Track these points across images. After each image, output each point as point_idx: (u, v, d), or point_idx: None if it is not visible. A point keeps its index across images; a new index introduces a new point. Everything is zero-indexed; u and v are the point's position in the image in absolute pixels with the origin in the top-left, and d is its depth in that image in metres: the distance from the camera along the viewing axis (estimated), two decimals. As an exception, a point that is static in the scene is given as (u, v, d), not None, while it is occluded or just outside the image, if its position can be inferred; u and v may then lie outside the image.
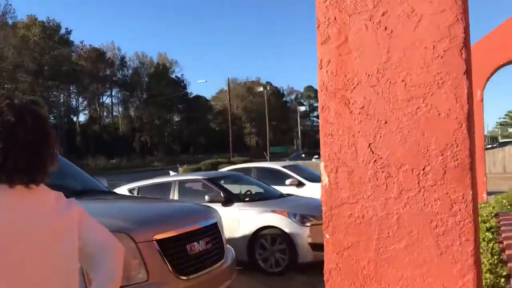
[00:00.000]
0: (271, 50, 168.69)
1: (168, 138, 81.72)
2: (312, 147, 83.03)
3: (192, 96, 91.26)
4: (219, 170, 11.69)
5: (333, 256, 1.59)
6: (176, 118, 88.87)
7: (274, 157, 44.65)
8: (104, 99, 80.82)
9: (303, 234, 6.91)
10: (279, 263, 7.01)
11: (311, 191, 10.46)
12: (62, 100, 71.73)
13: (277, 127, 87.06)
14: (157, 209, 4.50)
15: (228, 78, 48.41)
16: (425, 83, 1.46)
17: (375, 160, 1.53)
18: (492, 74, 8.03)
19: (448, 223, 1.43)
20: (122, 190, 7.96)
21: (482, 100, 8.09)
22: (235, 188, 8.21)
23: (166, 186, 7.88)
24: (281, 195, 8.22)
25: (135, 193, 7.90)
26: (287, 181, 10.81)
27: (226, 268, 4.38)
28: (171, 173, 9.76)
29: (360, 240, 1.55)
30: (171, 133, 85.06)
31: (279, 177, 11.13)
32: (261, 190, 8.58)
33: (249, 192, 8.67)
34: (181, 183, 7.92)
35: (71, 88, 72.13)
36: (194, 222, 4.15)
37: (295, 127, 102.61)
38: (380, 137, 1.53)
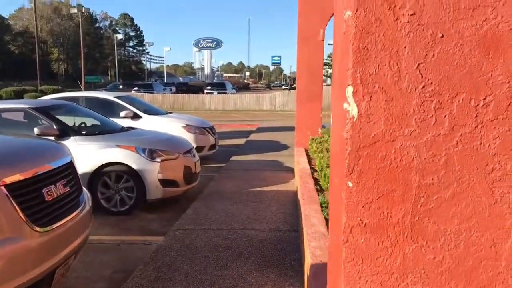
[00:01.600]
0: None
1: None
2: (127, 78, 79.61)
3: (-17, 11, 77.30)
4: (40, 99, 10.04)
5: (357, 210, 1.22)
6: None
7: (88, 87, 41.29)
8: None
9: (153, 170, 6.40)
10: (124, 202, 6.41)
11: (149, 124, 9.82)
12: None
13: (89, 54, 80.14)
14: (1, 145, 3.46)
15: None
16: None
17: (423, 86, 1.17)
18: (331, 18, 8.33)
19: (507, 167, 1.18)
20: None
21: (323, 40, 8.40)
22: (67, 120, 7.08)
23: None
24: (124, 129, 7.44)
25: None
26: (122, 113, 9.92)
27: (86, 215, 3.68)
28: None
29: (395, 189, 1.21)
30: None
31: (112, 109, 10.15)
32: (99, 123, 7.63)
33: (83, 125, 7.65)
34: (1, 111, 6.50)
35: None
36: (49, 161, 3.30)
37: (109, 56, 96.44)
38: (434, 55, 1.16)
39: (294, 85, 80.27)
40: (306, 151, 8.22)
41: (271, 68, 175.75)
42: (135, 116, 10.11)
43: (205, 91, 41.94)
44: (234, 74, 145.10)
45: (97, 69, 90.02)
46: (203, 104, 35.35)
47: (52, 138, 6.03)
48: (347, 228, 1.23)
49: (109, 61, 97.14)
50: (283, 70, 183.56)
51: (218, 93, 39.81)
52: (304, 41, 8.31)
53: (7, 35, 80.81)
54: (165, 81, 67.66)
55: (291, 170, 8.88)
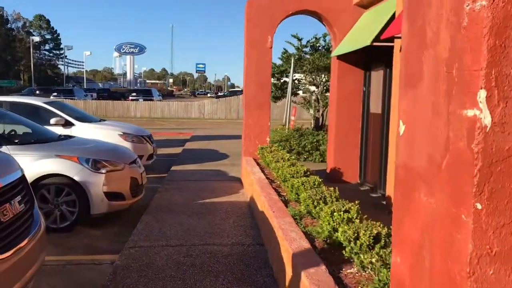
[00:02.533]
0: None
1: None
2: (43, 83, 75.05)
3: None
4: None
5: (486, 236, 1.03)
6: None
7: (3, 92, 38.24)
8: None
9: (97, 182, 5.89)
10: (65, 217, 5.82)
11: (82, 132, 9.14)
12: None
13: (-1, 57, 74.52)
14: None
15: None
16: None
17: None
18: (282, 20, 8.28)
19: None
20: None
21: (271, 47, 8.30)
22: (-4, 128, 6.36)
23: None
24: (61, 137, 6.79)
25: None
26: (52, 120, 9.13)
27: (42, 234, 3.22)
28: None
29: (532, 209, 1.04)
30: None
31: (41, 115, 9.32)
32: (32, 131, 6.92)
33: (13, 133, 6.90)
34: None
35: None
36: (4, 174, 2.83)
37: (23, 60, 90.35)
38: None
39: (220, 93, 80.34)
40: (255, 160, 8.04)
41: (195, 75, 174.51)
42: (67, 124, 9.37)
43: (130, 97, 40.49)
44: (157, 81, 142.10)
45: (8, 73, 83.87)
46: (128, 111, 34.10)
47: (-21, 148, 5.35)
48: (473, 259, 1.04)
49: (22, 64, 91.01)
50: (207, 78, 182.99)
51: (144, 100, 38.60)
52: (253, 48, 8.16)
53: None
54: (85, 87, 64.60)
55: (238, 180, 8.66)
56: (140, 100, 38.47)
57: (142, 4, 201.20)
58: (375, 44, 6.32)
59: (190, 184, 8.26)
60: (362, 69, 8.24)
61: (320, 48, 12.93)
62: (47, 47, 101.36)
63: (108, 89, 55.47)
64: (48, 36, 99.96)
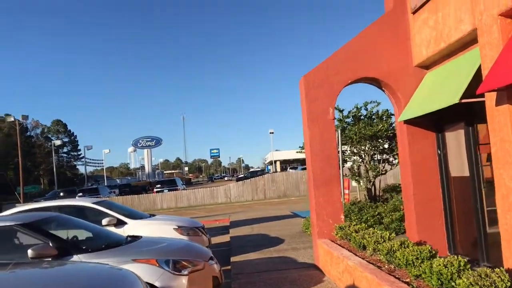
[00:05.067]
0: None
1: None
2: (62, 185, 75.58)
3: None
4: (19, 213, 8.44)
5: None
6: None
7: (27, 198, 38.21)
8: None
9: (180, 286, 5.18)
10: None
11: (136, 229, 8.55)
12: None
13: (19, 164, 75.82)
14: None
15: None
16: None
17: None
18: (341, 90, 7.92)
19: None
20: None
21: (333, 118, 7.88)
22: (60, 235, 5.77)
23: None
24: (129, 239, 6.18)
25: None
26: (104, 221, 8.58)
27: None
28: None
29: None
30: None
31: (91, 217, 8.79)
32: (92, 234, 6.34)
33: (76, 238, 6.31)
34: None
35: None
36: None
37: (42, 164, 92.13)
38: None
39: (240, 175, 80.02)
40: (334, 242, 7.28)
41: (210, 161, 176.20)
42: (119, 223, 8.81)
43: (155, 189, 40.24)
44: (173, 171, 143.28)
45: (29, 178, 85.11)
46: (155, 203, 33.64)
47: (49, 259, 4.75)
48: None
49: (42, 169, 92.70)
50: (221, 162, 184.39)
51: (169, 190, 38.23)
52: (314, 122, 7.73)
53: None
54: (105, 184, 64.89)
55: (313, 267, 7.84)
56: (165, 191, 38.14)
57: (151, 98, 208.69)
58: (463, 101, 5.83)
59: (263, 276, 7.45)
60: (434, 131, 7.71)
61: (362, 117, 12.58)
62: (65, 149, 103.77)
63: (129, 184, 55.55)
64: (65, 139, 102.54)
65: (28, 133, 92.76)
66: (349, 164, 14.91)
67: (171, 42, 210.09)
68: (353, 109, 12.56)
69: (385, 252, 5.18)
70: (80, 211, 8.96)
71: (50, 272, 2.69)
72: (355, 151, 12.96)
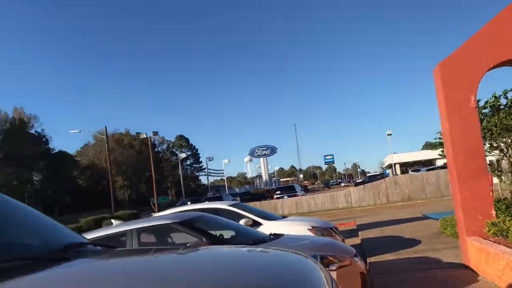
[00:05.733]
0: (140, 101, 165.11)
1: (28, 200, 71.77)
2: (187, 195, 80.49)
3: (54, 152, 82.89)
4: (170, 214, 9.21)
5: None
6: (38, 177, 79.19)
7: (159, 208, 41.40)
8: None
9: (329, 282, 5.11)
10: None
11: (272, 229, 8.68)
12: None
13: (151, 178, 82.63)
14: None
15: (106, 126, 44.28)
16: None
17: None
18: (483, 75, 7.34)
19: None
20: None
21: (476, 107, 7.32)
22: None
23: (119, 239, 5.50)
24: (272, 236, 6.33)
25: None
26: (241, 222, 8.88)
27: None
28: (114, 222, 7.19)
29: None
30: (32, 193, 75.14)
31: (228, 218, 9.16)
32: (235, 233, 6.60)
33: (222, 237, 6.62)
34: (141, 231, 5.61)
35: None
36: None
37: (169, 177, 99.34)
38: None
39: (358, 180, 78.39)
40: (485, 239, 6.72)
41: (324, 167, 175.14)
42: (255, 224, 9.09)
43: (275, 196, 41.09)
44: (288, 178, 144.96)
45: (159, 190, 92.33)
46: (276, 209, 34.18)
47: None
48: None
49: (169, 181, 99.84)
50: (336, 168, 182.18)
51: (289, 196, 38.70)
52: (453, 111, 7.25)
53: (74, 170, 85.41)
54: (227, 193, 67.91)
55: (461, 266, 7.30)
56: (285, 197, 38.69)
57: (264, 106, 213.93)
58: None
59: (408, 275, 7.13)
60: None
61: (501, 107, 11.50)
62: (188, 162, 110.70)
63: (249, 192, 57.45)
64: (188, 153, 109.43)
65: (156, 149, 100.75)
66: (488, 159, 13.72)
67: (283, 51, 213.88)
68: (490, 98, 11.53)
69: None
70: (218, 213, 9.40)
71: (244, 253, 2.81)
72: (494, 145, 11.88)
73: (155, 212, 34.75)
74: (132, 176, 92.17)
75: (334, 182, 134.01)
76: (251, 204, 35.22)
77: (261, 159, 79.56)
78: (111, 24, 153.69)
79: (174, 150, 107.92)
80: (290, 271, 2.50)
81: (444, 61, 7.35)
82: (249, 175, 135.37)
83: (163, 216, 6.71)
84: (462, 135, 7.23)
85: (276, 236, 6.35)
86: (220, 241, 5.70)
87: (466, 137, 7.22)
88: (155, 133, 49.53)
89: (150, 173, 75.84)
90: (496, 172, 12.39)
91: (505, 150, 11.78)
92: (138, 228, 5.58)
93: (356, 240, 12.79)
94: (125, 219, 28.15)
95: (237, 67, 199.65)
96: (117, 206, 74.86)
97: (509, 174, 11.81)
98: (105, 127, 44.15)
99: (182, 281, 1.96)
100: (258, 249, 4.10)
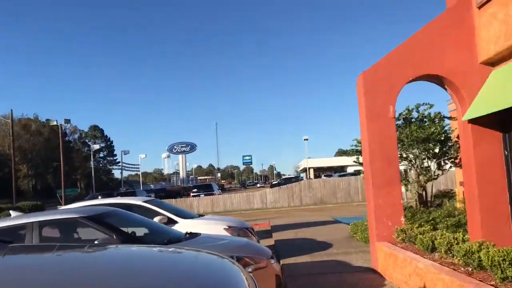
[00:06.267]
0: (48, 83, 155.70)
1: None
2: (98, 189, 77.06)
3: None
4: (78, 207, 8.53)
5: None
6: None
7: (69, 201, 39.10)
8: None
9: (244, 285, 4.99)
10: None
11: (187, 228, 8.42)
12: None
13: (59, 168, 78.03)
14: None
15: (12, 110, 40.95)
16: None
17: None
18: (402, 87, 7.64)
19: None
20: None
21: (394, 117, 7.61)
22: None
23: (16, 233, 4.96)
24: (188, 235, 6.09)
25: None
26: (156, 219, 8.51)
27: None
28: (13, 213, 6.44)
29: None
30: None
31: (142, 215, 8.73)
32: (148, 230, 6.28)
33: (134, 234, 6.26)
34: (43, 225, 5.11)
35: None
36: None
37: (79, 169, 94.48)
38: None
39: (274, 181, 79.74)
40: (395, 245, 6.98)
41: (241, 167, 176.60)
42: (170, 221, 8.76)
43: (192, 194, 40.56)
44: (206, 177, 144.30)
45: (67, 182, 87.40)
46: (191, 207, 33.73)
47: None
48: None
49: (79, 173, 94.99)
50: (253, 169, 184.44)
51: (205, 195, 38.38)
52: (373, 121, 7.48)
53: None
54: (141, 189, 65.93)
55: (370, 271, 7.54)
56: (201, 195, 38.29)
57: (184, 103, 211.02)
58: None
59: (320, 278, 7.22)
60: (500, 131, 7.32)
61: (413, 120, 12.17)
62: (101, 154, 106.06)
63: (165, 189, 56.19)
64: (102, 145, 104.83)
65: (67, 138, 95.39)
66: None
67: (208, 50, 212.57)
68: (404, 111, 12.17)
69: (462, 254, 4.88)
70: (131, 209, 8.93)
71: (157, 253, 2.57)
72: (404, 155, 12.55)
73: (61, 205, 32.80)
74: (38, 165, 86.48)
75: (250, 182, 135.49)
76: (167, 201, 34.53)
77: (180, 155, 78.40)
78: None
79: (87, 140, 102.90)
80: (209, 274, 2.32)
81: (367, 71, 7.56)
82: (166, 172, 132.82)
83: (69, 210, 6.20)
84: (380, 143, 7.48)
85: (193, 235, 6.12)
86: (132, 239, 5.35)
87: (384, 146, 7.48)
88: (67, 121, 46.87)
89: (58, 163, 71.60)
90: (404, 181, 13.08)
91: (413, 161, 12.48)
92: (40, 221, 5.07)
93: (270, 241, 12.87)
94: (27, 210, 26.21)
95: (160, 61, 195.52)
96: (19, 197, 69.79)
97: (415, 184, 12.52)
98: (11, 110, 40.92)
99: (81, 285, 1.70)
100: (172, 249, 3.89)
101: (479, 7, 7.28)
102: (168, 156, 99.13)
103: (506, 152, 7.29)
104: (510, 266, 4.16)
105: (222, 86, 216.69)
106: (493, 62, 7.31)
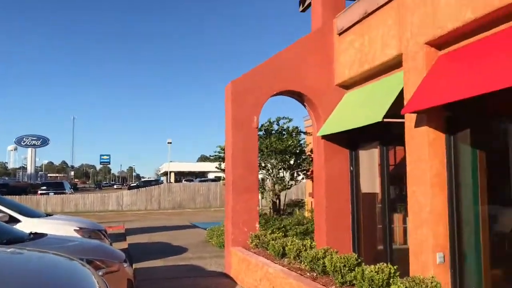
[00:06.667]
0: None
1: None
2: None
3: None
4: None
5: None
6: None
7: None
8: None
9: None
10: None
11: (31, 229, 7.69)
12: None
13: None
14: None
15: None
16: None
17: None
18: (267, 100, 8.01)
19: None
20: None
21: (257, 127, 7.92)
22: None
23: None
24: (32, 235, 5.56)
25: None
26: (-6, 217, 7.66)
27: None
28: None
29: None
30: None
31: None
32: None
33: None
34: None
35: None
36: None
37: None
38: None
39: (132, 183, 76.94)
40: (248, 250, 7.23)
41: (98, 167, 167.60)
42: (12, 220, 7.92)
43: (40, 191, 37.17)
44: (57, 174, 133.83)
45: None
46: (38, 205, 30.91)
47: None
48: None
49: None
50: (111, 170, 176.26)
51: (55, 193, 35.50)
52: (238, 128, 7.70)
53: None
54: (-23, 183, 58.48)
55: (223, 275, 7.71)
56: (51, 194, 35.32)
57: (42, 92, 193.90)
58: (386, 120, 6.19)
59: (173, 283, 7.15)
60: (348, 148, 8.09)
61: (273, 132, 12.84)
62: None
63: (8, 184, 50.61)
64: None
65: None
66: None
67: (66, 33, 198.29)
68: (266, 123, 12.79)
69: (309, 260, 5.25)
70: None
71: None
72: (263, 164, 13.15)
73: None
74: None
75: (107, 183, 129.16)
76: (9, 198, 31.17)
77: (29, 149, 71.43)
78: None
79: None
80: (56, 276, 2.16)
81: (236, 80, 7.78)
82: (11, 166, 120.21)
83: None
84: (244, 151, 7.72)
85: (38, 235, 5.60)
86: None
87: (246, 154, 7.73)
88: None
89: None
90: (261, 189, 13.69)
91: (271, 171, 13.14)
92: None
93: (124, 245, 12.39)
94: None
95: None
96: None
97: (271, 192, 13.19)
98: None
99: None
100: (11, 249, 3.56)
101: (339, 34, 7.99)
102: (15, 149, 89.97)
103: (352, 168, 8.07)
104: (349, 271, 4.60)
105: (83, 78, 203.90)
106: (347, 85, 8.07)
